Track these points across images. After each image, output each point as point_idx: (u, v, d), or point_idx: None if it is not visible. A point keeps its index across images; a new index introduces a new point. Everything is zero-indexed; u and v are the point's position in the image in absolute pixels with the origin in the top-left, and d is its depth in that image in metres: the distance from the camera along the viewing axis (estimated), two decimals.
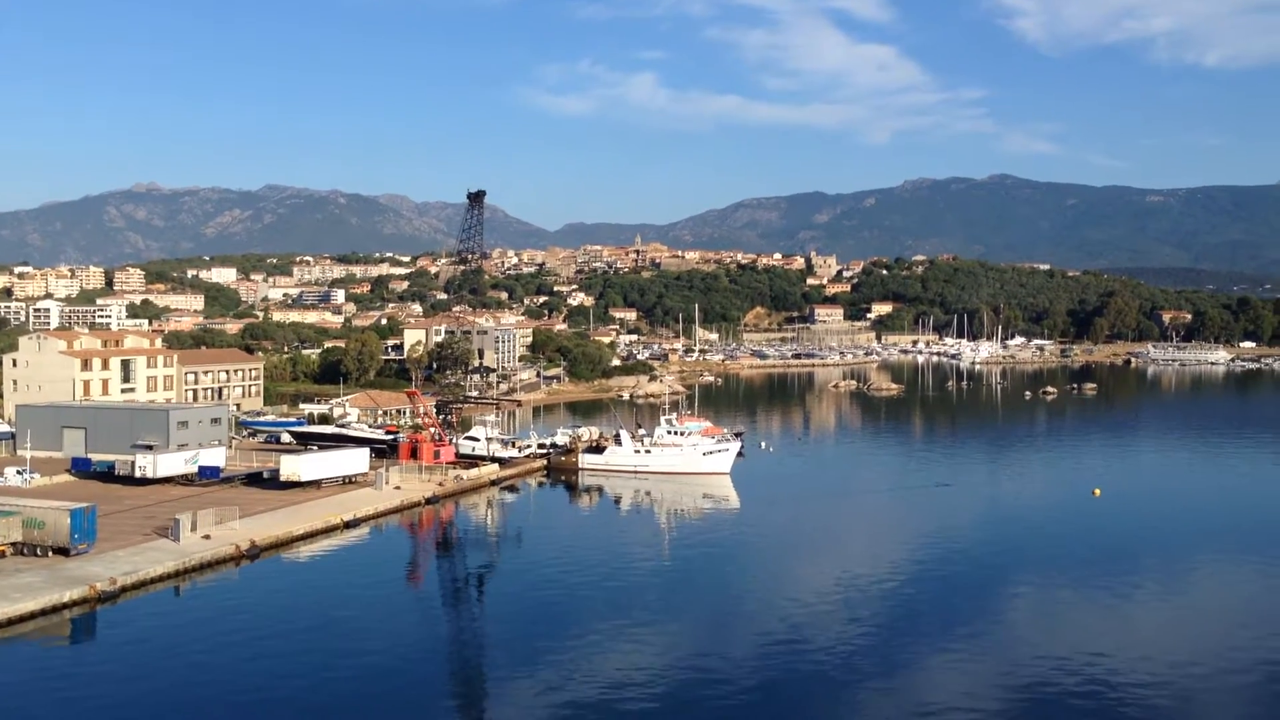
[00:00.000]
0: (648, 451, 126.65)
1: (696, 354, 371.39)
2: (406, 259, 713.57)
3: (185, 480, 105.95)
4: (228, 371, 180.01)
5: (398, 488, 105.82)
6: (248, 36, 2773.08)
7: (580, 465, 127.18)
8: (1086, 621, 64.97)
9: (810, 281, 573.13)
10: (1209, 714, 50.76)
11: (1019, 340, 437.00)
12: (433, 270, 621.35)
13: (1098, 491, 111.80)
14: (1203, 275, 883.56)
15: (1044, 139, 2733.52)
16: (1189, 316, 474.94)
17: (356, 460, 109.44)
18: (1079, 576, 75.66)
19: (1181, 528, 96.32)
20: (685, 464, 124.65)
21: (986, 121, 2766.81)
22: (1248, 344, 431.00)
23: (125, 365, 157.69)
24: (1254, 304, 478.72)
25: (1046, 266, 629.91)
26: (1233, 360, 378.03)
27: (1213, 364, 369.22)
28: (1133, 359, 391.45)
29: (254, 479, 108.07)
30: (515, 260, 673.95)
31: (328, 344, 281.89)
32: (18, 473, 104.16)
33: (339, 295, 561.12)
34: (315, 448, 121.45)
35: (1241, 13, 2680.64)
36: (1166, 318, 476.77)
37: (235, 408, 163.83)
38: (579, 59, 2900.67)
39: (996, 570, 79.16)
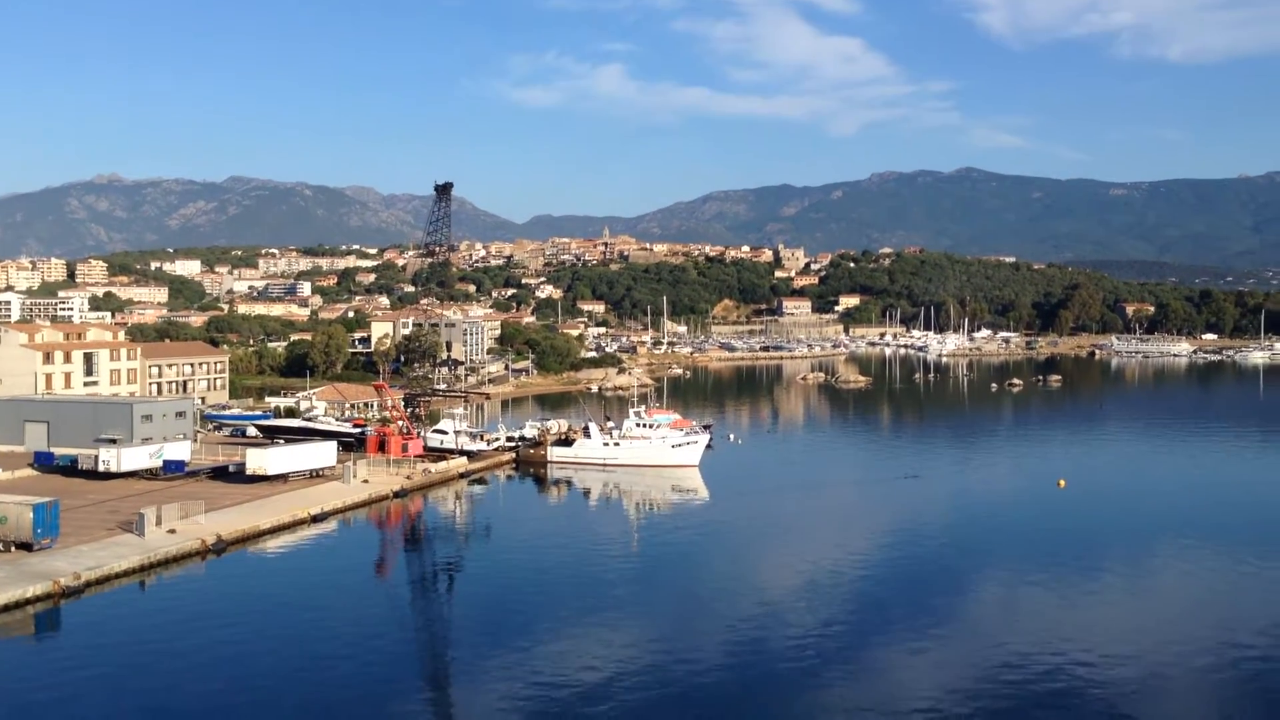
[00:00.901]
0: (616, 444, 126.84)
1: (665, 347, 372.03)
2: (373, 252, 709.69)
3: (149, 474, 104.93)
4: (192, 365, 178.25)
5: (365, 481, 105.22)
6: (211, 26, 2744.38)
7: (549, 458, 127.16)
8: (1053, 614, 65.62)
9: (778, 274, 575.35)
10: (1174, 707, 51.36)
11: (985, 333, 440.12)
12: (400, 263, 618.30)
13: (1063, 483, 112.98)
14: (1166, 268, 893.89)
15: (1010, 132, 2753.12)
16: (1152, 309, 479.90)
17: (323, 454, 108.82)
18: (1045, 568, 76.43)
19: (1145, 519, 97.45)
20: (654, 456, 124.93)
21: (953, 114, 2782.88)
22: (1210, 336, 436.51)
23: (88, 358, 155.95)
24: (1216, 296, 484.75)
25: (1012, 259, 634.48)
26: (1195, 352, 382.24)
27: (1175, 356, 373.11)
28: (1097, 351, 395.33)
29: (220, 473, 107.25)
30: (483, 253, 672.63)
31: (294, 337, 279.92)
32: None
33: (305, 288, 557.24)
34: (282, 441, 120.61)
35: (1203, 9, 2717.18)
36: (1130, 310, 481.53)
37: (200, 401, 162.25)
38: (545, 50, 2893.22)
39: (964, 562, 79.79)
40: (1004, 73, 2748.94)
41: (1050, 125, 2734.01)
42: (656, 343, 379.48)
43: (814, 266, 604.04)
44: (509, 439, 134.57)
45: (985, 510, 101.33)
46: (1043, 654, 56.81)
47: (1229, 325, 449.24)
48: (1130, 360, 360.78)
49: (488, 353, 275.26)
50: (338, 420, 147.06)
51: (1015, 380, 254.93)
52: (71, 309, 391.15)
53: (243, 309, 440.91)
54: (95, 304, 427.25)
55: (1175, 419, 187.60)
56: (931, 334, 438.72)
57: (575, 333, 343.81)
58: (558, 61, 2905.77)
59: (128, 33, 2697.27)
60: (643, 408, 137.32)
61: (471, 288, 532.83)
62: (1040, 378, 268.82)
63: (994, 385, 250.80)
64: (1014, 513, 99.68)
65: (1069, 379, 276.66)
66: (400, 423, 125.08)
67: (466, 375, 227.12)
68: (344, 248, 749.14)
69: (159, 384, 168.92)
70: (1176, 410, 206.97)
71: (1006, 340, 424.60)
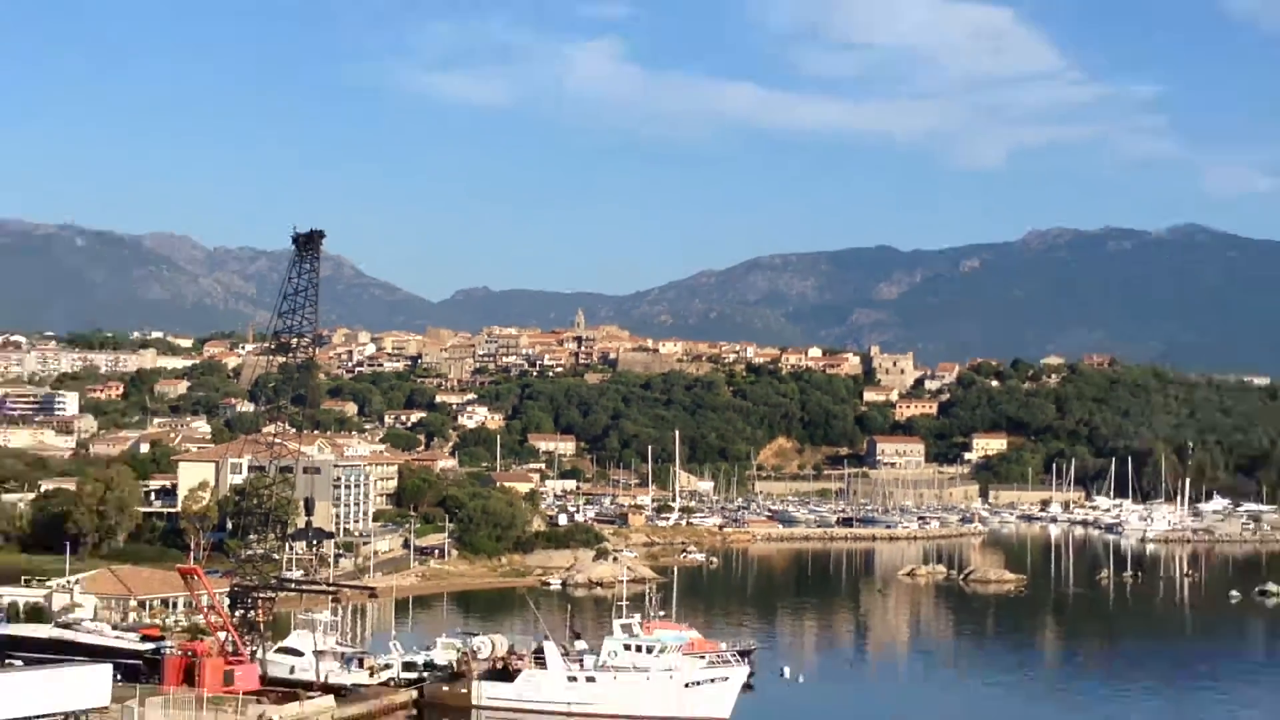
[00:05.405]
0: (590, 679, 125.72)
1: (677, 515, 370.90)
2: (187, 344, 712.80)
3: None
4: None
5: None
6: None
7: (476, 700, 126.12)
8: None
9: (869, 395, 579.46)
10: None
11: (1220, 503, 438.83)
12: (231, 364, 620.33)
13: None
14: None
15: (1259, 170, 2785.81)
16: None
17: (91, 685, 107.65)
18: None
19: None
20: (654, 702, 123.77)
21: (1166, 138, 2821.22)
22: None
23: None
24: None
25: (1265, 381, 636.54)
26: None
27: None
28: None
29: None
30: (373, 350, 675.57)
31: (47, 485, 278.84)
32: None
33: (69, 403, 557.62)
34: (18, 663, 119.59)
35: None
36: None
37: None
38: (486, 17, 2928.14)
39: None
40: (1250, 72, 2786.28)
41: None
42: (662, 509, 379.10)
43: (930, 384, 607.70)
44: (408, 667, 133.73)
45: None
46: None
47: None
48: None
49: (375, 520, 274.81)
50: (117, 628, 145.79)
51: (1271, 586, 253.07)
52: None
53: None
54: None
55: None
56: (1129, 504, 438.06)
57: (525, 488, 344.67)
58: (505, 35, 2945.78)
59: None
60: (637, 618, 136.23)
61: (350, 408, 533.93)
62: None
63: (1234, 593, 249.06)
64: None
65: None
66: (223, 634, 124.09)
67: (338, 557, 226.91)
68: (138, 335, 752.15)
69: None
70: None
71: (1255, 518, 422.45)
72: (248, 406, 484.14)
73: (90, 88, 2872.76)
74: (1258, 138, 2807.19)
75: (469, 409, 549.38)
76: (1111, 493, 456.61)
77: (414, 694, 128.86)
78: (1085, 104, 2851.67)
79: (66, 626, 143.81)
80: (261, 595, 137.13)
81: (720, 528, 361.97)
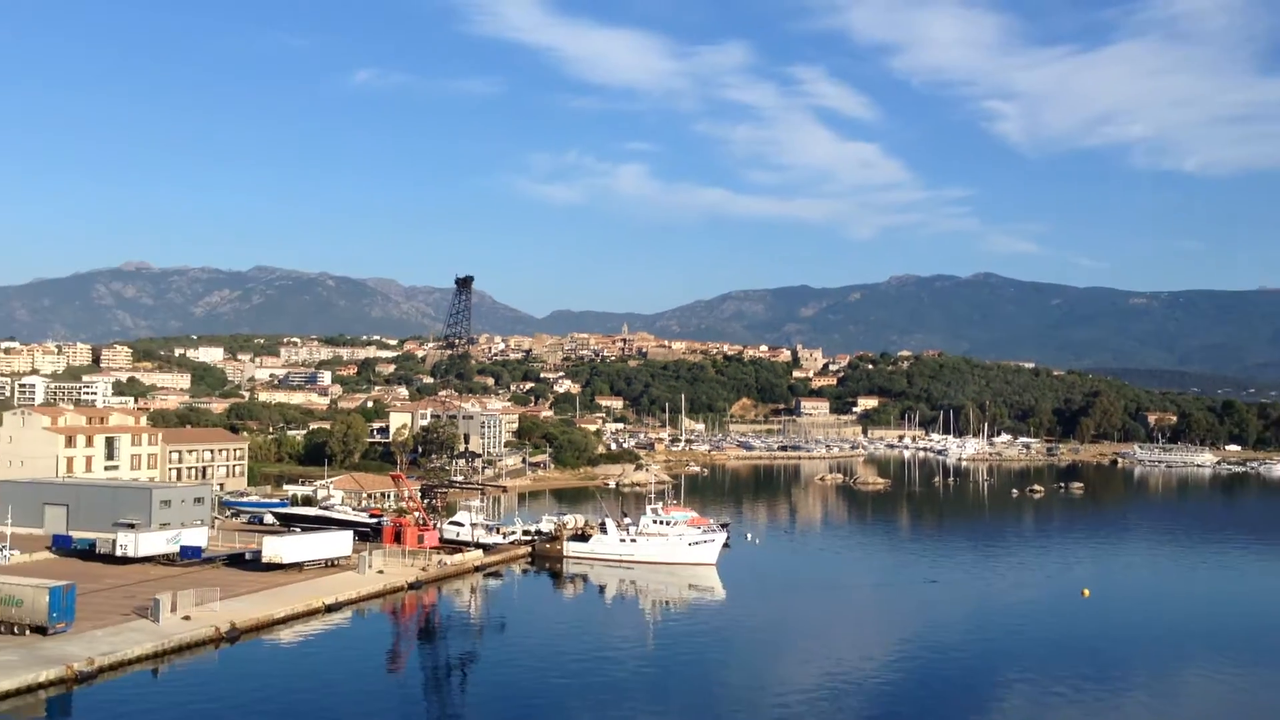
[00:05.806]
0: (633, 540, 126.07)
1: (683, 444, 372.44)
2: (394, 342, 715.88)
3: (166, 560, 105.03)
4: (212, 451, 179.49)
5: (380, 571, 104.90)
6: (241, 122, 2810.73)
7: (565, 553, 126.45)
8: None
9: (796, 374, 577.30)
10: None
11: (1005, 438, 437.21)
12: (420, 354, 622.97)
13: (1087, 592, 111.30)
14: (1187, 378, 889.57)
15: (1027, 239, 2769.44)
16: (1174, 418, 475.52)
17: (339, 543, 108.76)
18: (1068, 679, 75.08)
19: (1171, 631, 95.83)
20: (670, 554, 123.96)
21: (970, 220, 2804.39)
22: (1233, 447, 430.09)
23: (109, 443, 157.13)
24: (1238, 407, 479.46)
25: (1031, 365, 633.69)
26: (1218, 463, 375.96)
27: (1199, 466, 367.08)
28: (1119, 459, 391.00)
29: (236, 560, 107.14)
30: (502, 346, 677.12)
31: (313, 425, 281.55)
32: None
33: (325, 377, 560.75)
34: (298, 529, 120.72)
35: (1216, 123, 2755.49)
36: (1152, 419, 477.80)
37: (219, 487, 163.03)
38: (568, 149, 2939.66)
39: (984, 671, 78.59)
40: (1020, 180, 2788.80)
41: (1068, 233, 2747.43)
42: (674, 440, 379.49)
43: (832, 368, 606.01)
44: (525, 533, 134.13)
45: (1007, 618, 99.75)
46: None
47: (1252, 436, 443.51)
48: (1153, 470, 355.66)
49: (505, 446, 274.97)
50: (354, 510, 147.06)
51: (1036, 486, 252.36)
52: (95, 393, 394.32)
53: (263, 396, 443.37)
54: (119, 389, 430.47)
55: (1201, 530, 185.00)
56: (950, 438, 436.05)
57: (593, 428, 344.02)
58: (580, 160, 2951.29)
59: (156, 124, 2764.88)
60: (659, 505, 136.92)
61: (490, 381, 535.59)
62: (1062, 485, 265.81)
63: (1014, 491, 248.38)
64: (1038, 622, 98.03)
65: (1091, 487, 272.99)
66: (416, 514, 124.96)
67: (484, 468, 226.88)
68: (365, 338, 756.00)
69: (179, 469, 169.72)
70: (1201, 521, 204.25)
71: (1027, 446, 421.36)
72: (430, 380, 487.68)
73: (340, 188, 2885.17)
74: (1024, 218, 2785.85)
75: (560, 381, 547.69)
76: (941, 431, 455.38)
77: (529, 549, 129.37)
78: (921, 200, 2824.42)
79: (325, 508, 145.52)
80: (439, 490, 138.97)
81: (708, 451, 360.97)
